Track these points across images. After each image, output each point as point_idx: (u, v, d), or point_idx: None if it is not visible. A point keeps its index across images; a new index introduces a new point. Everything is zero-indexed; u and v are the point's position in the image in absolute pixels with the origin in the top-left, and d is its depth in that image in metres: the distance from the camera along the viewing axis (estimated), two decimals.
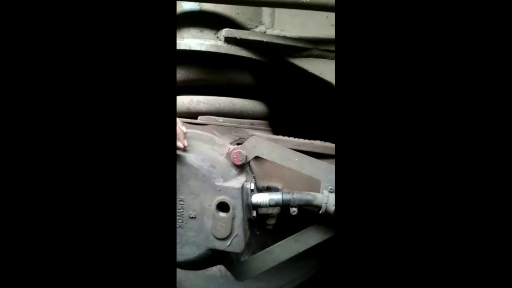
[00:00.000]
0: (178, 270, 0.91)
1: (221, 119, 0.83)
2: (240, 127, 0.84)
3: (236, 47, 0.77)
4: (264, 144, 0.77)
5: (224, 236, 0.69)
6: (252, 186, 0.74)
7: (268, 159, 0.78)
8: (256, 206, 0.74)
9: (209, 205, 0.70)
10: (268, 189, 0.84)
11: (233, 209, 0.69)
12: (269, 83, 0.92)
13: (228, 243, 0.69)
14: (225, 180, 0.72)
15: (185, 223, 0.71)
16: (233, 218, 0.70)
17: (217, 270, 1.25)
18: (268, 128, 0.93)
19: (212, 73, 0.83)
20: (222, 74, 0.84)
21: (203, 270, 1.22)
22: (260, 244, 1.07)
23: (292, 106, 1.06)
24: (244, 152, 0.76)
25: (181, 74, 0.84)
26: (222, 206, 0.71)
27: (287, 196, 0.73)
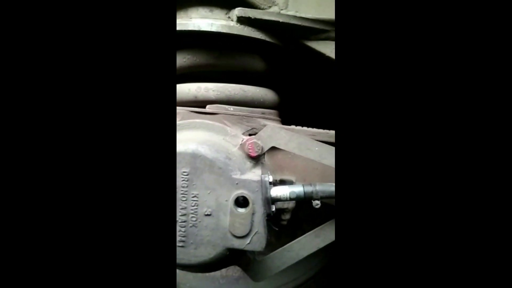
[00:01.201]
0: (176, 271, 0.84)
1: (231, 107, 0.77)
2: (252, 117, 0.78)
3: (250, 28, 0.71)
4: (281, 133, 0.72)
5: (244, 233, 0.63)
6: (271, 179, 0.68)
7: (285, 149, 0.72)
8: (276, 200, 0.68)
9: (226, 200, 0.64)
10: (282, 182, 0.79)
11: (253, 203, 0.64)
12: (281, 70, 0.87)
13: (248, 241, 0.63)
14: (242, 173, 0.66)
15: (200, 222, 0.64)
16: (253, 214, 0.64)
17: (218, 270, 1.19)
18: (278, 118, 0.88)
19: (221, 58, 0.77)
20: (232, 58, 0.77)
21: None
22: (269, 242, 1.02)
23: (303, 95, 1.01)
24: (259, 142, 0.71)
25: (186, 59, 0.77)
26: (240, 201, 0.65)
27: (309, 189, 0.68)
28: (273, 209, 0.68)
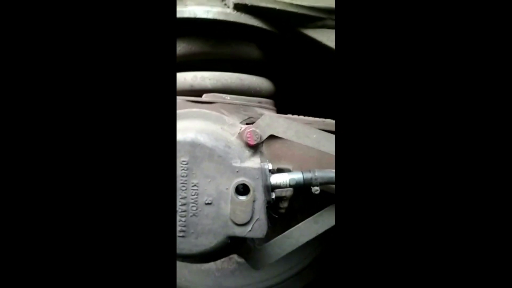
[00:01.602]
0: None
1: (228, 96, 0.76)
2: (249, 105, 0.77)
3: (246, 15, 0.70)
4: (279, 121, 0.72)
5: (245, 221, 0.63)
6: (270, 166, 0.69)
7: (283, 137, 0.72)
8: (275, 187, 0.69)
9: (227, 189, 0.64)
10: (280, 171, 0.79)
11: (254, 191, 0.64)
12: (277, 59, 0.86)
13: (249, 229, 0.64)
14: (241, 161, 0.66)
15: (200, 211, 0.64)
16: (254, 201, 0.64)
17: (213, 263, 1.19)
18: (274, 108, 0.88)
19: (218, 46, 0.76)
20: (228, 46, 0.76)
21: (198, 265, 1.15)
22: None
23: (299, 84, 1.01)
24: (258, 131, 0.70)
25: (181, 47, 0.75)
26: (240, 189, 0.65)
27: (309, 175, 0.68)
28: (273, 196, 0.69)
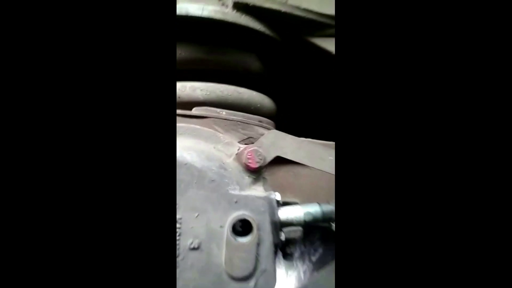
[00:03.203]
0: None
1: (223, 111, 0.62)
2: (248, 123, 0.64)
3: (247, 17, 0.60)
4: (287, 140, 0.58)
5: (246, 273, 0.45)
6: (278, 197, 0.53)
7: (293, 159, 0.58)
8: (286, 225, 0.52)
9: (221, 226, 0.46)
10: (285, 204, 0.63)
11: (258, 229, 0.46)
12: (278, 73, 0.75)
13: (253, 284, 0.45)
14: (241, 189, 0.50)
15: (183, 259, 0.45)
16: (258, 244, 0.46)
17: None
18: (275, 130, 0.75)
19: (212, 53, 0.64)
20: (224, 55, 0.65)
21: None
22: None
23: (301, 103, 0.90)
24: (261, 151, 0.56)
25: None
26: (239, 227, 0.47)
27: (328, 208, 0.53)
28: (282, 237, 0.51)
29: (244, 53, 0.67)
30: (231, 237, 0.46)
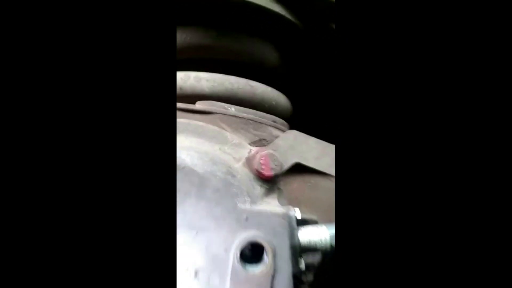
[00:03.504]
0: None
1: (232, 107, 0.52)
2: (261, 123, 0.54)
3: None
4: (309, 143, 0.48)
5: None
6: (298, 214, 0.42)
7: (316, 167, 0.48)
8: (308, 250, 0.41)
9: (225, 250, 0.35)
10: (303, 223, 0.52)
11: (274, 256, 0.36)
12: (297, 68, 0.66)
13: None
14: (252, 202, 0.39)
15: None
16: (273, 276, 0.35)
17: None
18: None
19: (221, 39, 0.54)
20: (235, 41, 0.55)
21: None
22: None
23: (319, 105, 0.79)
24: (277, 155, 0.45)
25: None
26: (248, 252, 0.37)
27: None
28: (302, 265, 0.40)
29: (260, 41, 0.57)
30: (239, 265, 0.35)
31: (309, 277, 0.51)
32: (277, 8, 0.52)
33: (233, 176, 0.40)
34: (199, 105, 0.51)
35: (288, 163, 0.46)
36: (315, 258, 0.49)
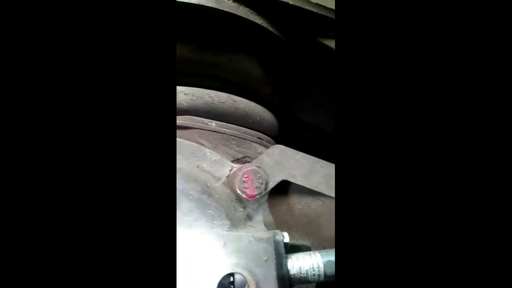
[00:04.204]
0: None
1: (213, 123, 0.48)
2: (245, 139, 0.50)
3: (247, 9, 0.49)
4: (296, 158, 0.43)
5: None
6: (287, 238, 0.37)
7: (304, 185, 0.43)
8: (299, 282, 0.35)
9: (199, 284, 0.29)
10: (293, 250, 0.46)
11: None
12: (282, 83, 0.63)
13: None
14: (233, 225, 0.34)
15: None
16: None
17: None
18: None
19: (201, 52, 0.52)
20: (216, 55, 0.53)
21: None
22: None
23: (305, 124, 0.76)
24: (262, 171, 0.41)
25: None
26: (230, 285, 0.31)
27: None
28: None
29: (242, 54, 0.55)
30: None
31: None
32: (259, 21, 0.50)
33: (210, 195, 0.34)
34: (177, 120, 0.46)
35: (274, 181, 0.42)
36: None
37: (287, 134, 0.68)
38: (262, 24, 0.50)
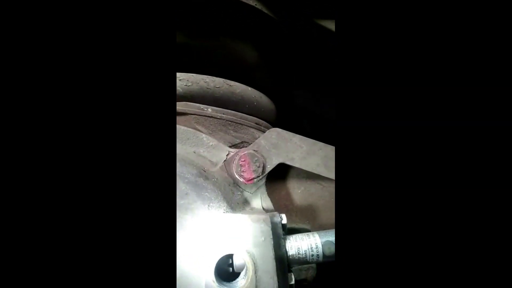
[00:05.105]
0: None
1: (209, 108, 0.48)
2: (242, 124, 0.49)
3: None
4: (294, 141, 0.43)
5: None
6: (284, 220, 0.36)
7: (302, 167, 0.42)
8: (297, 262, 0.35)
9: (198, 266, 0.29)
10: (292, 232, 0.46)
11: (255, 270, 0.30)
12: (279, 67, 0.62)
13: None
14: (230, 208, 0.34)
15: None
16: None
17: None
18: None
19: (195, 37, 0.51)
20: (211, 40, 0.52)
21: None
22: None
23: (303, 107, 0.75)
24: (259, 155, 0.40)
25: None
26: (226, 268, 0.31)
27: None
28: (292, 280, 0.34)
29: (238, 40, 0.54)
30: (214, 284, 0.29)
31: None
32: (254, 2, 0.49)
33: (206, 178, 0.34)
34: None
35: (272, 164, 0.41)
36: (309, 272, 0.43)
37: (286, 121, 0.67)
38: (255, 6, 0.49)
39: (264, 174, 0.41)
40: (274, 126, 0.61)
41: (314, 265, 0.42)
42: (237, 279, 0.30)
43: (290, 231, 0.43)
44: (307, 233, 0.37)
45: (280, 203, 0.49)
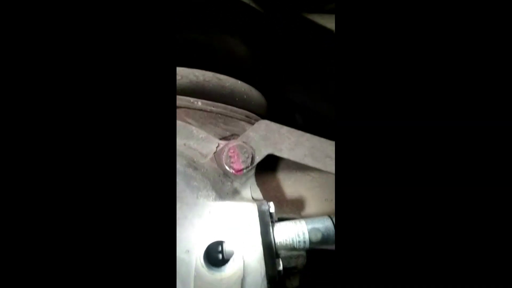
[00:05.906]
0: None
1: (199, 101, 0.49)
2: (232, 117, 0.50)
3: None
4: (282, 132, 0.44)
5: None
6: (272, 208, 0.38)
7: (291, 158, 0.44)
8: (285, 249, 0.36)
9: (187, 252, 0.31)
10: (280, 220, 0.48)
11: (244, 257, 0.31)
12: (267, 63, 0.63)
13: None
14: (219, 197, 0.35)
15: None
16: (244, 278, 0.30)
17: None
18: None
19: (188, 31, 0.51)
20: (203, 33, 0.52)
21: None
22: None
23: (293, 100, 0.76)
24: (248, 146, 0.41)
25: None
26: (215, 254, 0.32)
27: None
28: (280, 267, 0.36)
29: (227, 35, 0.54)
30: (203, 269, 0.30)
31: (294, 282, 0.46)
32: None
33: (195, 169, 0.35)
34: None
35: (261, 155, 0.42)
36: (299, 260, 0.44)
37: (278, 115, 0.68)
38: (244, 0, 0.50)
39: (253, 165, 0.42)
40: (264, 119, 0.63)
41: (303, 253, 0.43)
42: (226, 265, 0.31)
43: (280, 221, 0.45)
44: (294, 220, 0.38)
45: (271, 194, 0.50)
